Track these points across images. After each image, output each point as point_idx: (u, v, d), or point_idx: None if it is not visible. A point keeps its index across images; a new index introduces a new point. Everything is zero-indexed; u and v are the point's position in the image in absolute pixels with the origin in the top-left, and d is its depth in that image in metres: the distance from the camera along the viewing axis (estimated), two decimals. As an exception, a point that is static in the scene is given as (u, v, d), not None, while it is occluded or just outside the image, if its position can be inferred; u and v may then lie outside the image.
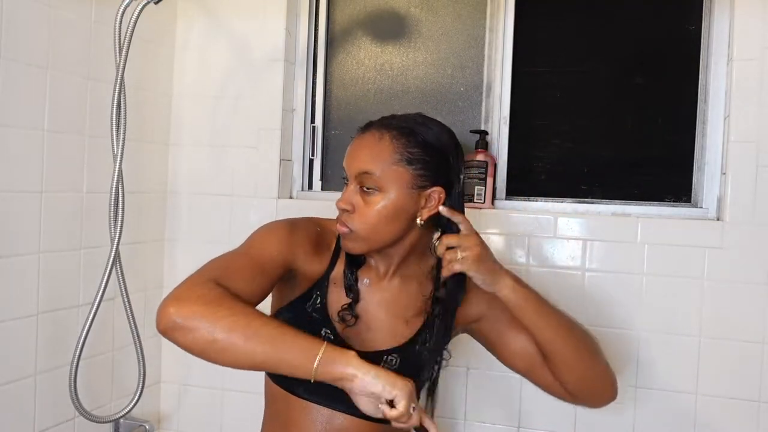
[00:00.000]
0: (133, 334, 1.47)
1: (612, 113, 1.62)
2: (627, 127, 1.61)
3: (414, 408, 0.90)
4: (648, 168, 1.59)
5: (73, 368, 1.32)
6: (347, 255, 1.09)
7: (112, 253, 1.36)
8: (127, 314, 1.46)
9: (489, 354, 1.56)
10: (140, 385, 1.49)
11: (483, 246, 1.02)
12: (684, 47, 1.56)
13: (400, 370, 1.01)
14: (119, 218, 1.38)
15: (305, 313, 1.09)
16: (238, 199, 1.71)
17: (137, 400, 1.49)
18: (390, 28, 1.76)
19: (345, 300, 1.08)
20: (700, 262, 1.43)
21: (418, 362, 1.08)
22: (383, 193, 1.00)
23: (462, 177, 1.07)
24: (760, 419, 1.40)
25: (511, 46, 1.63)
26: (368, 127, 1.05)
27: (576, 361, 1.06)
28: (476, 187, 1.58)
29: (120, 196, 1.37)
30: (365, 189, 1.01)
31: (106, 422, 1.46)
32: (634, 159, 1.60)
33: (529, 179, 1.65)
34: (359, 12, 1.78)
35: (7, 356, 1.26)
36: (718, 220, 1.47)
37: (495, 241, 1.55)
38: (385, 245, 1.05)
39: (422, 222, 1.03)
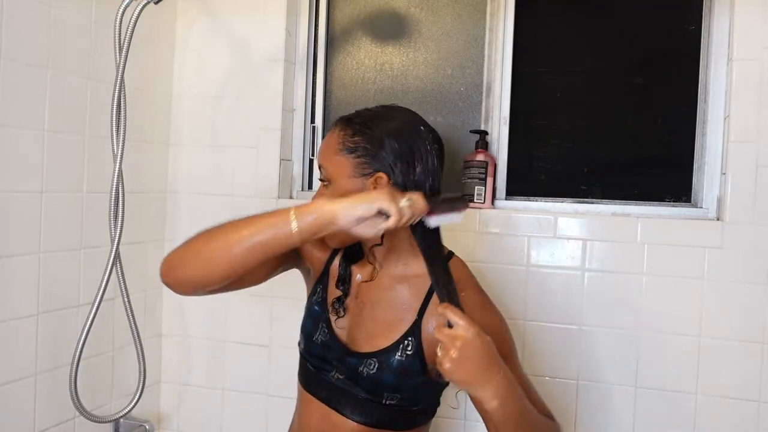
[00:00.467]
0: (133, 334, 1.47)
1: (612, 113, 1.62)
2: (627, 127, 1.61)
3: (408, 201, 0.88)
4: (648, 168, 1.59)
5: (73, 368, 1.32)
6: (345, 248, 1.10)
7: (112, 253, 1.36)
8: (127, 314, 1.46)
9: (489, 354, 1.56)
10: (140, 385, 1.49)
11: (462, 355, 0.85)
12: (684, 47, 1.56)
13: (377, 376, 1.01)
14: (119, 218, 1.38)
15: (312, 307, 1.12)
16: (238, 199, 1.71)
17: (137, 400, 1.49)
18: (390, 28, 1.76)
19: (339, 293, 1.10)
20: (700, 262, 1.43)
21: (398, 370, 1.02)
22: (333, 184, 1.02)
23: (416, 165, 0.99)
24: (760, 419, 1.40)
25: (511, 46, 1.63)
26: (335, 122, 1.07)
27: None
28: (476, 187, 1.58)
29: (120, 196, 1.37)
30: (324, 183, 1.04)
31: (106, 422, 1.46)
32: (634, 159, 1.60)
33: (529, 179, 1.65)
34: (359, 12, 1.78)
35: (7, 356, 1.26)
36: (718, 220, 1.47)
37: (495, 241, 1.55)
38: (350, 238, 1.04)
39: None
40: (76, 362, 1.32)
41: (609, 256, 1.49)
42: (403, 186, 0.98)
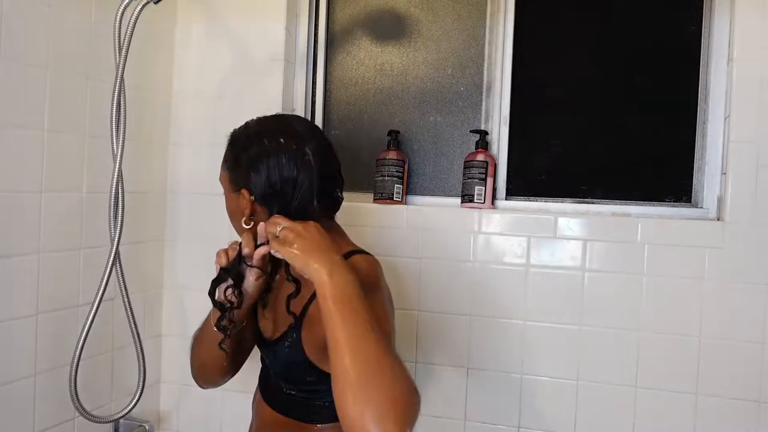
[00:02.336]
0: (133, 334, 1.47)
1: (612, 113, 1.62)
2: (627, 127, 1.61)
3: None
4: (648, 168, 1.59)
5: (73, 368, 1.32)
6: None
7: (112, 253, 1.36)
8: (127, 314, 1.45)
9: (489, 354, 1.57)
10: (140, 385, 1.49)
11: (301, 236, 0.92)
12: (684, 47, 1.56)
13: (273, 365, 1.10)
14: (119, 218, 1.38)
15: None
16: (238, 199, 1.71)
17: (137, 400, 1.49)
18: (390, 28, 1.76)
19: None
20: (701, 263, 1.43)
21: (285, 361, 1.06)
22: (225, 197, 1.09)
23: (273, 176, 0.99)
24: (760, 419, 1.40)
25: (511, 46, 1.64)
26: None
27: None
28: (476, 187, 1.58)
29: (120, 196, 1.37)
30: None
31: (106, 422, 1.46)
32: (634, 159, 1.60)
33: (529, 179, 1.65)
34: (359, 12, 1.78)
35: (7, 356, 1.26)
36: (718, 220, 1.47)
37: (495, 241, 1.55)
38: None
39: (246, 224, 1.03)
40: (76, 362, 1.32)
41: (609, 256, 1.49)
42: (263, 198, 1.00)
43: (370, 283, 0.99)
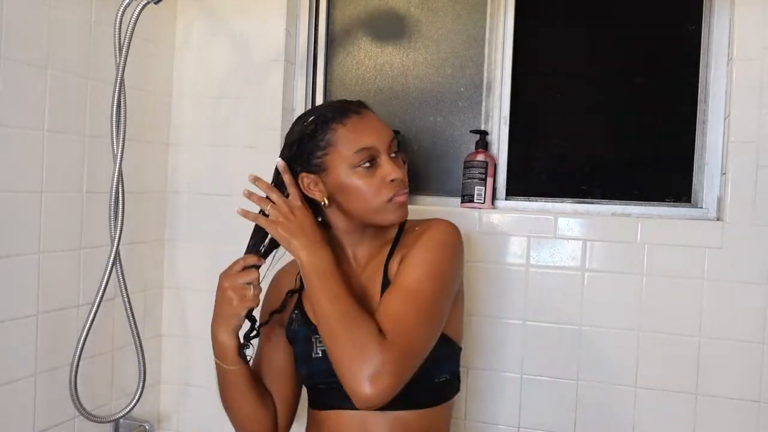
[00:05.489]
0: (133, 334, 1.47)
1: (612, 113, 1.62)
2: (627, 127, 1.61)
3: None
4: (648, 168, 1.59)
5: (73, 368, 1.32)
6: None
7: (112, 253, 1.36)
8: (127, 314, 1.45)
9: (489, 354, 1.57)
10: (140, 385, 1.49)
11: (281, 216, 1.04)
12: (684, 47, 1.56)
13: None
14: (119, 218, 1.38)
15: (295, 335, 1.15)
16: (238, 199, 1.70)
17: (137, 400, 1.49)
18: (390, 28, 1.76)
19: None
20: (700, 262, 1.43)
21: None
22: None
23: (311, 151, 1.11)
24: (760, 419, 1.40)
25: (511, 46, 1.63)
26: (361, 105, 1.11)
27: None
28: (476, 187, 1.58)
29: (120, 196, 1.37)
30: (395, 154, 1.10)
31: (106, 422, 1.46)
32: (634, 159, 1.60)
33: (529, 179, 1.65)
34: (359, 12, 1.78)
35: (7, 356, 1.26)
36: (718, 220, 1.47)
37: (495, 241, 1.55)
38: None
39: None
40: (76, 362, 1.32)
41: (609, 256, 1.49)
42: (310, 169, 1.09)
43: (431, 243, 1.05)
